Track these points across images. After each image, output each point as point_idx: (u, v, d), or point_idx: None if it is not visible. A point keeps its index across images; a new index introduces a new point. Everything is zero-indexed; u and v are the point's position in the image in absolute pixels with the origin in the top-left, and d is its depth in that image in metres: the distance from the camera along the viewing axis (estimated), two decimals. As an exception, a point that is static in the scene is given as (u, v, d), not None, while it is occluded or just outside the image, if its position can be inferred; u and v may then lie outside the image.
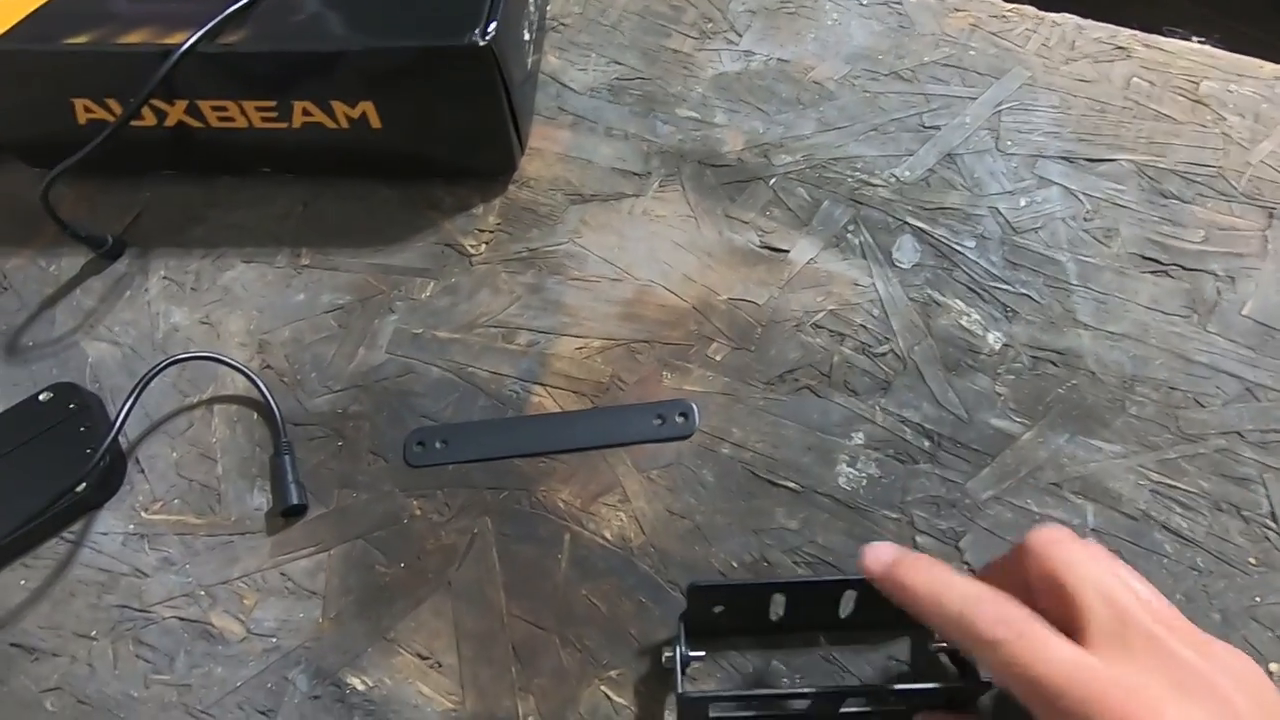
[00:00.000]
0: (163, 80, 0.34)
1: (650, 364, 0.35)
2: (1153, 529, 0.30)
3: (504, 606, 0.31)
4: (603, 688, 0.29)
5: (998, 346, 0.34)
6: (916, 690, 0.26)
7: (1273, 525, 0.30)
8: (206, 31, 0.34)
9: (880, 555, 0.24)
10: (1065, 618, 0.22)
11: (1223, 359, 0.33)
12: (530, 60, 0.40)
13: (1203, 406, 0.32)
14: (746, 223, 0.38)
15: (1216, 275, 0.35)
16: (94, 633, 0.31)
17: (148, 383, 0.33)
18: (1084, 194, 0.37)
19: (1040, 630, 0.21)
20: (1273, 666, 0.28)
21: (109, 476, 0.33)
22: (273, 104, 0.36)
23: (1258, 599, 0.29)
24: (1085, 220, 0.36)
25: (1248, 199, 0.36)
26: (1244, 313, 0.34)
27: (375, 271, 0.38)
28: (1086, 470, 0.31)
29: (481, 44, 0.33)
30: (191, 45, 0.33)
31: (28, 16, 0.36)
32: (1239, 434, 0.31)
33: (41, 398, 0.34)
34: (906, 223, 0.37)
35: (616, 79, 0.43)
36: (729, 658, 0.29)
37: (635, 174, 0.40)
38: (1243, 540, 0.30)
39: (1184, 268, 0.35)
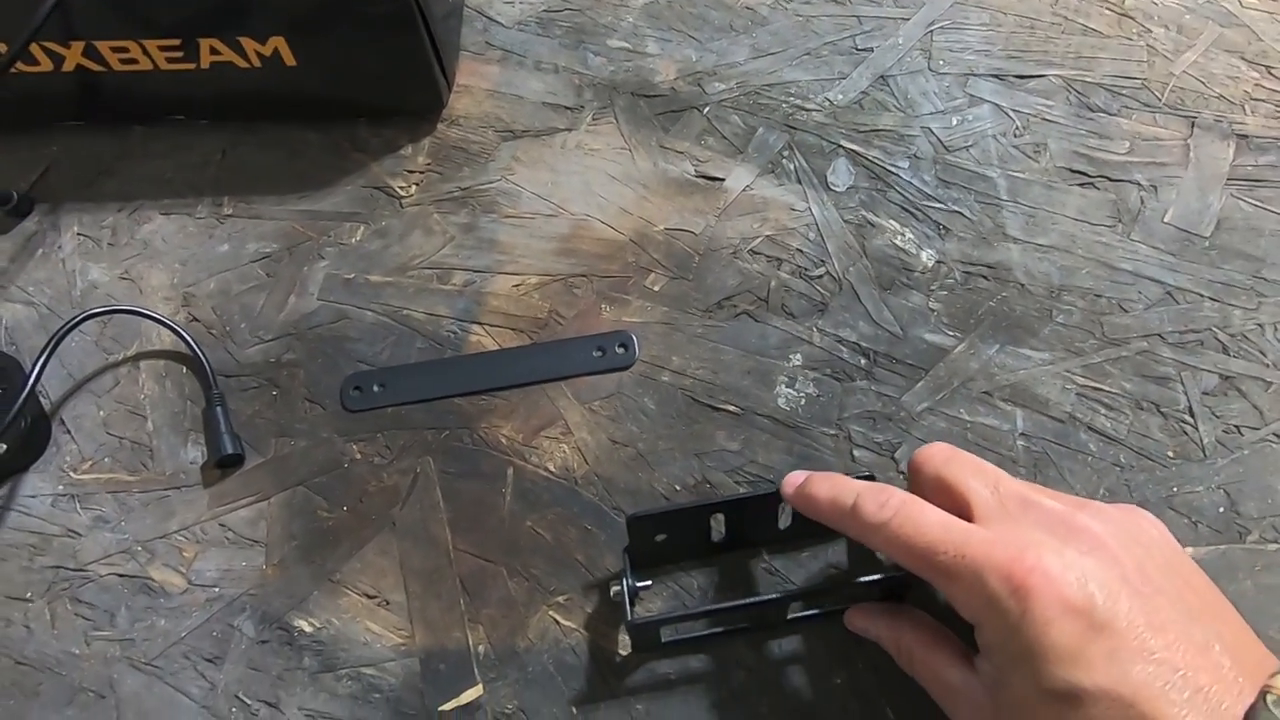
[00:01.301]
0: (50, 20, 0.32)
1: (588, 297, 0.35)
2: (1078, 430, 0.31)
3: (450, 542, 0.31)
4: (551, 613, 0.29)
5: (931, 264, 0.34)
6: (853, 587, 0.27)
7: (1189, 420, 0.31)
8: (95, -37, 0.32)
9: (793, 479, 0.27)
10: (959, 511, 0.24)
11: (1145, 265, 0.34)
12: (452, -8, 0.39)
13: (1126, 312, 0.33)
14: (681, 153, 0.37)
15: (1140, 185, 0.35)
16: (29, 594, 0.31)
17: (62, 338, 0.32)
18: (1014, 110, 0.37)
19: (917, 503, 0.23)
20: (1188, 550, 0.29)
21: (31, 438, 0.32)
22: (177, 43, 0.34)
23: (1175, 489, 0.30)
24: (1015, 136, 0.37)
25: (1171, 109, 0.37)
26: (1166, 220, 0.35)
27: (302, 218, 0.37)
28: (1016, 378, 0.32)
29: (393, -31, 0.32)
30: (79, -22, 0.31)
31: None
32: (1160, 336, 0.32)
33: (-47, 362, 0.33)
34: (841, 146, 0.37)
35: (545, 11, 0.41)
36: (676, 579, 0.30)
37: (567, 108, 0.39)
38: (1161, 435, 0.31)
39: (1110, 179, 0.36)
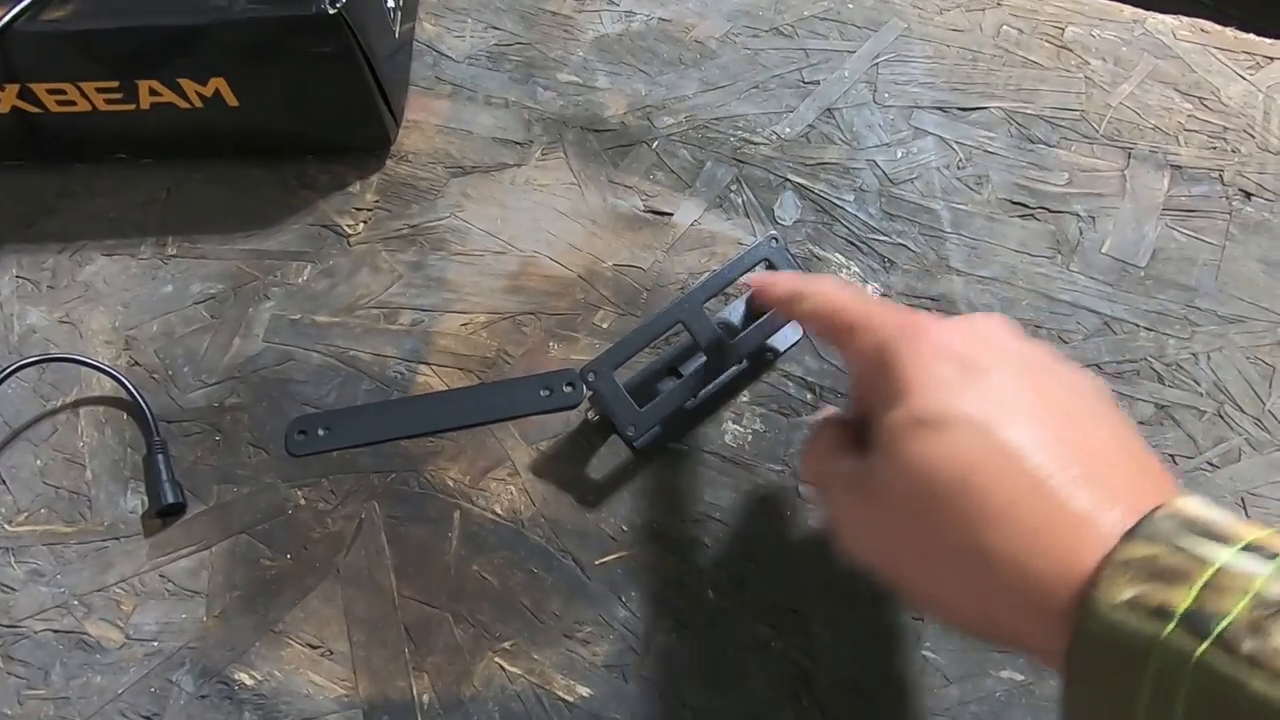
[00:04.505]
0: (-18, 62, 0.31)
1: (537, 335, 0.35)
2: (1019, 462, 0.31)
3: (395, 589, 0.30)
4: (497, 659, 0.29)
5: (876, 297, 0.35)
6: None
7: (1127, 450, 0.31)
8: (25, 7, 0.31)
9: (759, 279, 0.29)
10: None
11: (1083, 296, 0.34)
12: (399, 29, 0.39)
13: (1065, 342, 0.34)
14: (630, 187, 0.38)
15: (1079, 216, 0.36)
16: (-41, 653, 0.30)
17: (-5, 388, 0.31)
18: (957, 143, 0.38)
19: (845, 286, 0.26)
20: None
21: (-36, 490, 0.32)
22: (115, 85, 0.34)
23: (1112, 520, 0.30)
24: (958, 169, 0.37)
25: (1108, 140, 0.38)
26: (1103, 251, 0.35)
27: (248, 257, 0.37)
28: (958, 411, 0.32)
29: (331, 12, 0.32)
30: (10, 22, 0.31)
31: None
32: (1098, 366, 0.33)
33: (-118, 412, 0.32)
34: (788, 180, 0.37)
35: (495, 45, 0.41)
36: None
37: (516, 143, 0.39)
38: (1100, 466, 0.31)
39: (1049, 210, 0.36)
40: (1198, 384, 0.32)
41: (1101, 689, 0.17)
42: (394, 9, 0.38)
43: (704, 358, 0.31)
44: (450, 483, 0.32)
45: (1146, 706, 0.16)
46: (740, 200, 0.37)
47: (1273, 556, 0.17)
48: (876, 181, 0.37)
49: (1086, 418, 0.21)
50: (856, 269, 0.35)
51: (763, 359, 0.33)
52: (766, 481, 0.32)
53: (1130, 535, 0.18)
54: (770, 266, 0.31)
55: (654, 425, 0.31)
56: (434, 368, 0.34)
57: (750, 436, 0.32)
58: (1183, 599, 0.16)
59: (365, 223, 0.37)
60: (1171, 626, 0.16)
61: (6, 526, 0.32)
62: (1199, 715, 0.16)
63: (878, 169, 0.37)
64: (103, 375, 0.34)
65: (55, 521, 0.32)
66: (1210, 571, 0.17)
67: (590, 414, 0.32)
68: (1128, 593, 0.17)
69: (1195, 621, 0.16)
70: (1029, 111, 0.38)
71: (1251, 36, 0.40)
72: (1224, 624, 0.16)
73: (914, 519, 0.20)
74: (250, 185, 0.38)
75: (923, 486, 0.20)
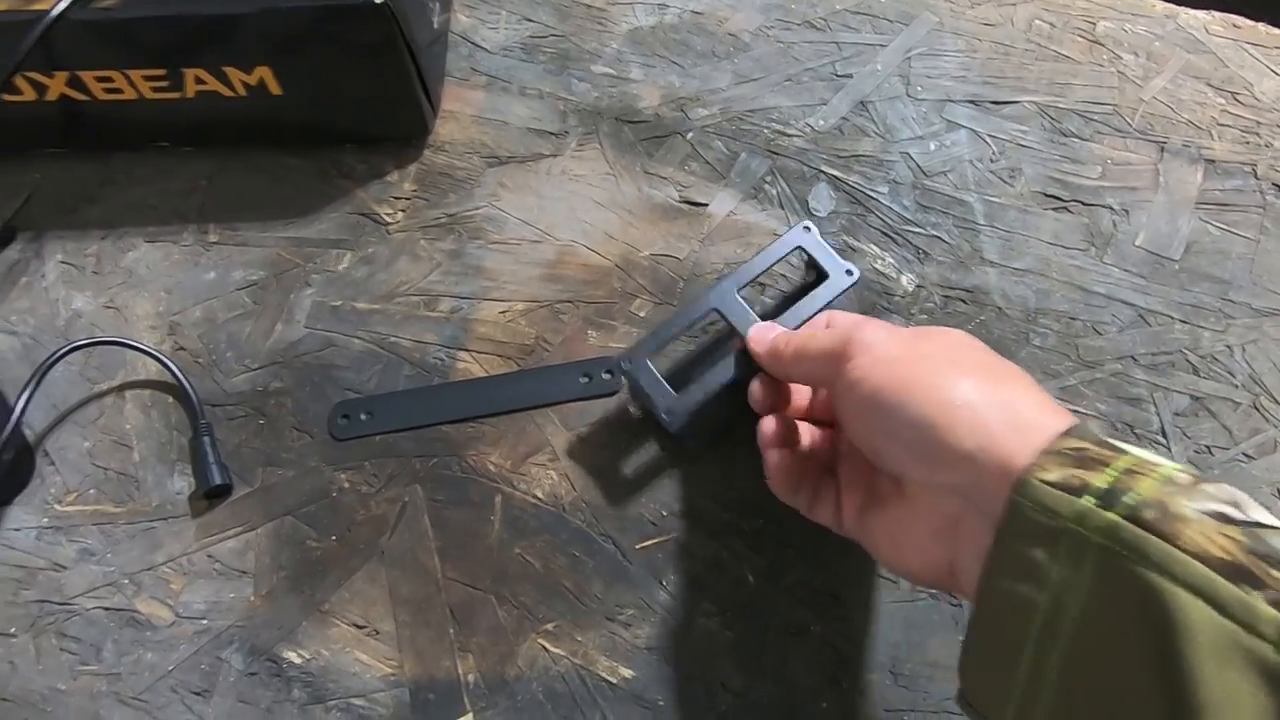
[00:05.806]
0: (34, 51, 0.32)
1: (575, 323, 0.35)
2: (1054, 451, 0.32)
3: (439, 570, 0.31)
4: (540, 641, 0.30)
5: (911, 288, 0.35)
6: None
7: (1163, 441, 0.32)
8: (78, -5, 0.32)
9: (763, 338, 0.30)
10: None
11: (1118, 288, 0.35)
12: (437, 19, 0.39)
13: (1100, 334, 0.34)
14: (665, 178, 0.38)
15: (1112, 209, 0.36)
16: (13, 629, 0.31)
17: (47, 370, 0.32)
18: (990, 136, 0.38)
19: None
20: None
21: (15, 471, 0.32)
22: (162, 73, 0.34)
23: (1148, 509, 0.31)
24: (991, 161, 0.38)
25: (1141, 134, 0.38)
26: (1137, 243, 0.36)
27: (288, 245, 0.37)
28: (994, 400, 0.33)
29: (377, 1, 0.32)
30: (63, 12, 0.31)
31: (-123, -16, 0.33)
32: (1133, 358, 0.33)
33: (-65, 394, 0.33)
34: (822, 171, 0.38)
35: (529, 36, 0.42)
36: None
37: (552, 133, 0.39)
38: (1135, 456, 0.32)
39: (1083, 203, 0.37)
40: (1233, 376, 0.33)
41: (1023, 554, 0.20)
42: (434, 0, 0.38)
43: (740, 346, 0.31)
44: (491, 467, 0.32)
45: (1058, 569, 0.19)
46: (775, 192, 0.37)
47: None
48: (910, 174, 0.37)
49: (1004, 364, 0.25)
50: (891, 260, 0.36)
51: None
52: (804, 469, 0.32)
53: (1064, 435, 0.21)
54: (805, 255, 0.32)
55: (690, 412, 0.31)
56: (473, 354, 0.35)
57: (787, 424, 0.33)
58: (1101, 480, 0.19)
59: (404, 211, 0.38)
60: (1090, 501, 0.19)
61: (57, 507, 0.32)
62: (1106, 576, 0.19)
63: (911, 161, 0.38)
64: (148, 359, 0.34)
65: (104, 502, 0.32)
66: (1129, 459, 0.20)
67: (633, 408, 0.32)
68: (1056, 475, 0.20)
69: (1109, 497, 0.19)
70: (1061, 105, 0.39)
71: (1284, 32, 0.40)
72: (1133, 499, 0.19)
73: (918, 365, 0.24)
74: (288, 174, 0.39)
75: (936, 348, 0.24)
